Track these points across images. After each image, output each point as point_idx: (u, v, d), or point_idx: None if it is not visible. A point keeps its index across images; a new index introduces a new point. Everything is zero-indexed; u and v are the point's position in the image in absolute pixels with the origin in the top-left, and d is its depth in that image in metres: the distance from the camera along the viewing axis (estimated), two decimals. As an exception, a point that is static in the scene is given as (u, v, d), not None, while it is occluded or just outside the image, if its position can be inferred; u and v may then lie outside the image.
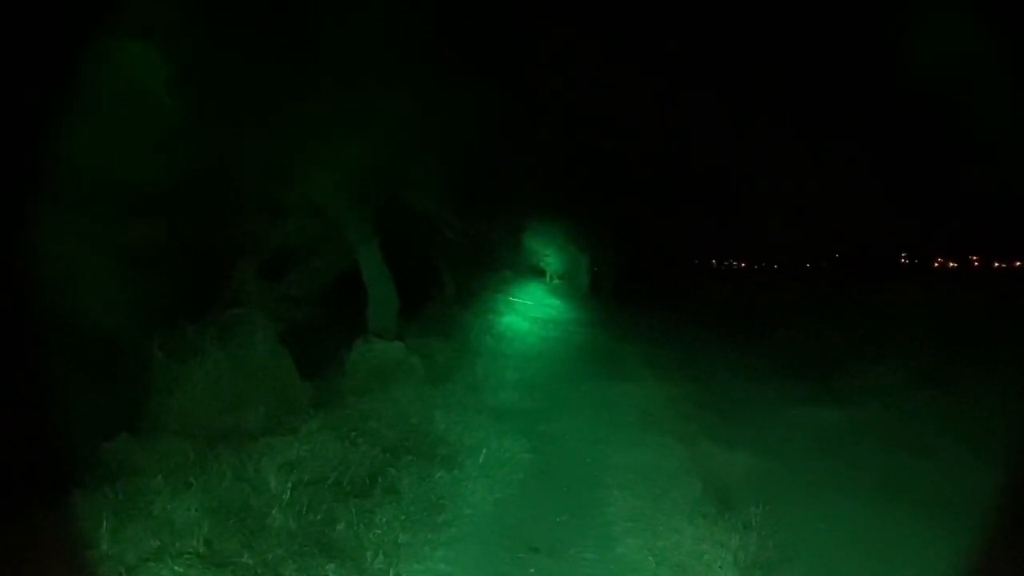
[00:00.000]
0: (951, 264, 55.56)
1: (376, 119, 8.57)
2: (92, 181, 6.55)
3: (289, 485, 4.95)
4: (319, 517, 4.66)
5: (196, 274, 8.22)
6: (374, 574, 4.15)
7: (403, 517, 4.86)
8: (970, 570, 4.35)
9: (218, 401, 7.11)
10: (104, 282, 6.66)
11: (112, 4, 6.56)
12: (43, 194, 6.45)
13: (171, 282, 7.34)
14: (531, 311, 18.45)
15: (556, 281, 27.10)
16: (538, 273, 25.93)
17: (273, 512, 4.61)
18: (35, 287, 6.40)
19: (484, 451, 6.37)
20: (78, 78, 6.39)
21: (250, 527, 4.43)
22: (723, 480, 6.01)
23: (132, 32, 6.56)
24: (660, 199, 26.95)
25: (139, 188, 6.77)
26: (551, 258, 26.02)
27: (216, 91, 7.16)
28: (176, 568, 3.85)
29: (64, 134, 6.35)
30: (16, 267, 6.40)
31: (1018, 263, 46.06)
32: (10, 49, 6.18)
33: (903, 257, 58.55)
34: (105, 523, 4.25)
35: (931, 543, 4.84)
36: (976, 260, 52.94)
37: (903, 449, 6.99)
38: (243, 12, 7.21)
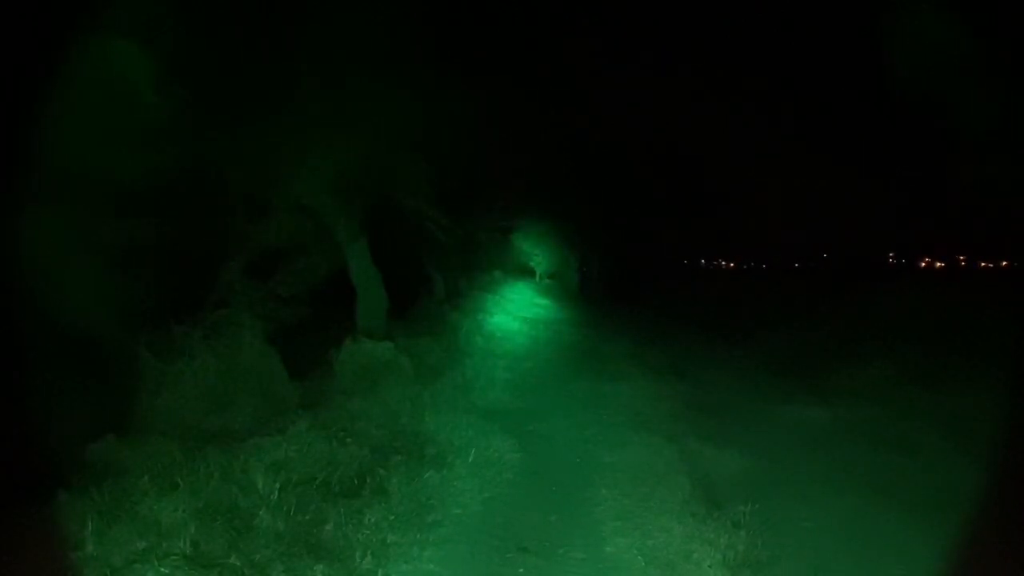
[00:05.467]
0: (938, 264, 55.91)
1: (364, 118, 8.54)
2: (78, 180, 6.49)
3: (277, 486, 4.92)
4: (307, 518, 4.64)
5: (183, 274, 8.16)
6: (362, 575, 4.13)
7: (392, 517, 4.84)
8: (958, 566, 4.38)
9: (205, 401, 7.07)
10: (90, 282, 6.60)
11: (98, 1, 6.51)
12: (28, 193, 6.38)
13: (158, 282, 7.30)
14: (521, 311, 18.44)
15: (546, 280, 27.13)
16: (528, 272, 25.94)
17: (261, 513, 4.58)
18: (20, 287, 6.32)
19: (473, 451, 6.35)
20: (63, 76, 6.32)
21: (237, 528, 4.40)
22: (712, 479, 6.04)
23: (118, 29, 6.50)
24: (650, 199, 27.04)
25: (125, 187, 6.70)
26: (540, 257, 26.03)
27: (204, 89, 7.10)
28: (163, 570, 3.81)
29: (49, 132, 6.27)
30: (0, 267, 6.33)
31: (1004, 262, 46.42)
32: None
33: (890, 257, 58.89)
34: (91, 524, 4.22)
35: (919, 540, 4.87)
36: (963, 260, 53.27)
37: (891, 447, 7.06)
38: (231, 9, 7.16)
